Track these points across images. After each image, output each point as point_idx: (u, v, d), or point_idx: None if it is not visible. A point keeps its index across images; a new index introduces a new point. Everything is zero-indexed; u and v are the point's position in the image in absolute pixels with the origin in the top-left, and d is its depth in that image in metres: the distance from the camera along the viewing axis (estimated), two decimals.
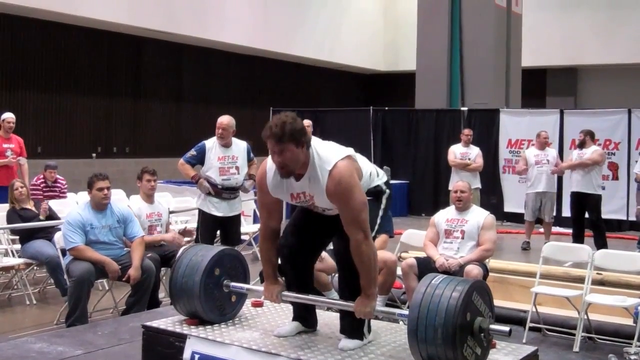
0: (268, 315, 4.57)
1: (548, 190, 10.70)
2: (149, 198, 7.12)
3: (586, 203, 9.86)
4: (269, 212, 4.00)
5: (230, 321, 4.38)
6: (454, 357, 3.38)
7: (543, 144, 10.81)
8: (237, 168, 7.17)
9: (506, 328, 3.57)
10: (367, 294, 3.77)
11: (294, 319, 4.21)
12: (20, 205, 7.64)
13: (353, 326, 3.96)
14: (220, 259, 4.28)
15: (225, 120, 7.18)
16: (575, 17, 20.94)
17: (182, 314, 4.35)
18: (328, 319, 4.39)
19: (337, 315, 4.16)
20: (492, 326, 3.56)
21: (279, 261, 4.11)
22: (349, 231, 3.71)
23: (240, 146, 7.32)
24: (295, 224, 4.13)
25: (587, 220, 10.01)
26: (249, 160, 7.36)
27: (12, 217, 7.62)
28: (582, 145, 10.08)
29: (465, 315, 3.43)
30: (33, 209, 7.70)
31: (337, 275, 4.63)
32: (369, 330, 4.02)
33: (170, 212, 8.76)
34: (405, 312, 3.61)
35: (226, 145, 7.18)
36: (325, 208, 3.89)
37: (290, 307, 4.35)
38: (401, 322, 5.83)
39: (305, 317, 4.20)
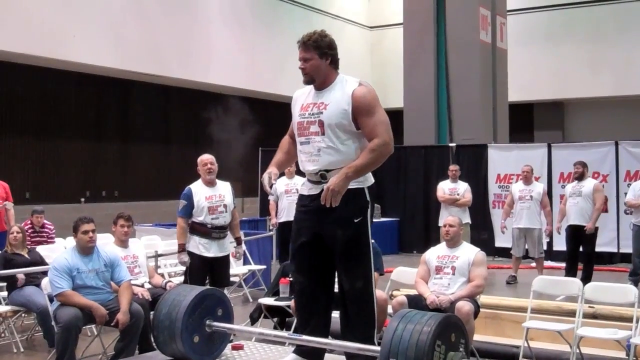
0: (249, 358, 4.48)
1: (529, 226, 10.53)
2: (123, 243, 7.10)
3: (582, 235, 9.73)
4: (292, 131, 4.29)
5: None
6: None
7: (525, 178, 10.74)
8: (225, 206, 7.15)
9: None
10: (354, 165, 3.85)
11: (299, 353, 4.10)
12: (14, 250, 7.60)
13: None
14: (203, 298, 4.23)
15: (209, 156, 7.24)
16: (559, 51, 21.16)
17: (165, 354, 4.28)
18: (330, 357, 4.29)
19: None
20: None
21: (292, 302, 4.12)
22: (375, 133, 3.89)
23: (226, 186, 7.36)
24: (299, 263, 4.14)
25: (580, 253, 9.91)
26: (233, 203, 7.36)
27: (1, 260, 7.54)
28: (580, 177, 9.94)
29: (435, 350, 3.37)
30: (26, 255, 7.63)
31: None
32: None
33: (159, 255, 8.73)
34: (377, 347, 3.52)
35: (212, 183, 7.19)
36: (323, 131, 3.97)
37: (272, 349, 4.28)
38: None
39: (308, 349, 4.09)
